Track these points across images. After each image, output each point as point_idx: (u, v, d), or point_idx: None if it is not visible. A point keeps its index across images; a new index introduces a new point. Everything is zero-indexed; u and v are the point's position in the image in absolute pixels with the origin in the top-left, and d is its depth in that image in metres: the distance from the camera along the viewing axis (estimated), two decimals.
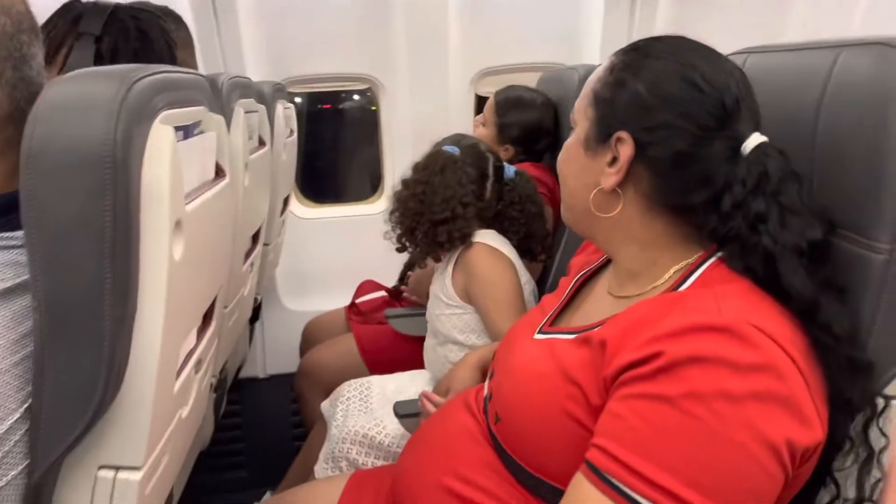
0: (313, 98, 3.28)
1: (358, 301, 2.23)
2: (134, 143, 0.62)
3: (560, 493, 0.75)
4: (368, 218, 2.53)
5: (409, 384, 1.66)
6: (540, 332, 0.95)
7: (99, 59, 1.16)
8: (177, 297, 0.71)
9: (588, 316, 0.91)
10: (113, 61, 1.16)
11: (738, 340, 0.66)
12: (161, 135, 0.66)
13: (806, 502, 0.78)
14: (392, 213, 1.60)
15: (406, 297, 2.16)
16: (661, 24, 2.34)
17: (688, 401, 0.65)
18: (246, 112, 1.26)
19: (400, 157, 2.42)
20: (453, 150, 1.57)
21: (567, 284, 1.05)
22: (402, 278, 2.14)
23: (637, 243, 0.86)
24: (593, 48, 2.40)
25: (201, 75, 0.89)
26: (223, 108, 1.13)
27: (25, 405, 0.63)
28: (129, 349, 0.66)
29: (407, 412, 1.34)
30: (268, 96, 1.64)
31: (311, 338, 2.24)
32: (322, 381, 1.93)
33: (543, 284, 1.75)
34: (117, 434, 0.68)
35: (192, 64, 1.52)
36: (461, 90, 2.43)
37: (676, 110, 0.78)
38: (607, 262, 1.01)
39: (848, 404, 0.71)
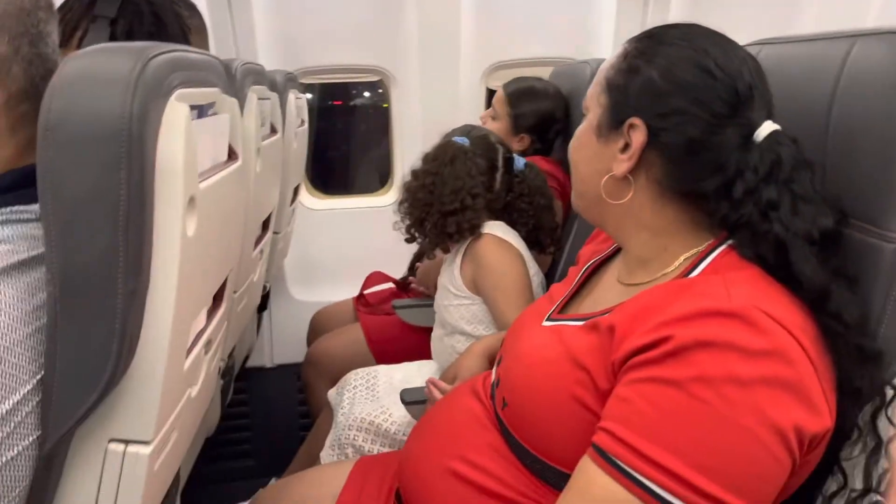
0: (324, 94, 3.29)
1: (366, 292, 2.24)
2: (149, 118, 0.62)
3: (566, 478, 0.75)
4: (377, 210, 2.54)
5: (415, 374, 1.66)
6: (548, 319, 0.95)
7: (113, 42, 1.16)
8: (189, 273, 0.71)
9: (597, 303, 0.91)
10: None
11: (748, 326, 0.66)
12: (176, 111, 0.66)
13: (813, 491, 0.78)
14: (401, 203, 1.60)
15: (414, 288, 2.17)
16: (673, 19, 2.34)
17: (696, 385, 0.65)
18: (259, 98, 1.27)
19: (410, 149, 2.43)
20: (463, 141, 1.57)
21: (576, 273, 1.05)
22: (412, 268, 2.15)
23: (648, 230, 0.86)
24: (606, 42, 2.40)
25: (216, 58, 0.90)
26: (237, 92, 1.13)
27: (38, 377, 0.63)
28: (141, 323, 0.66)
29: (413, 399, 1.34)
30: (280, 85, 1.65)
31: (318, 328, 2.25)
32: (329, 371, 1.94)
33: (552, 277, 1.76)
34: (128, 408, 0.69)
35: (206, 51, 1.52)
36: (472, 83, 2.43)
37: (690, 97, 0.78)
38: (616, 251, 1.01)
39: (857, 393, 0.71)
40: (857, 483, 0.76)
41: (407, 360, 1.78)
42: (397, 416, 1.46)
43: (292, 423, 2.45)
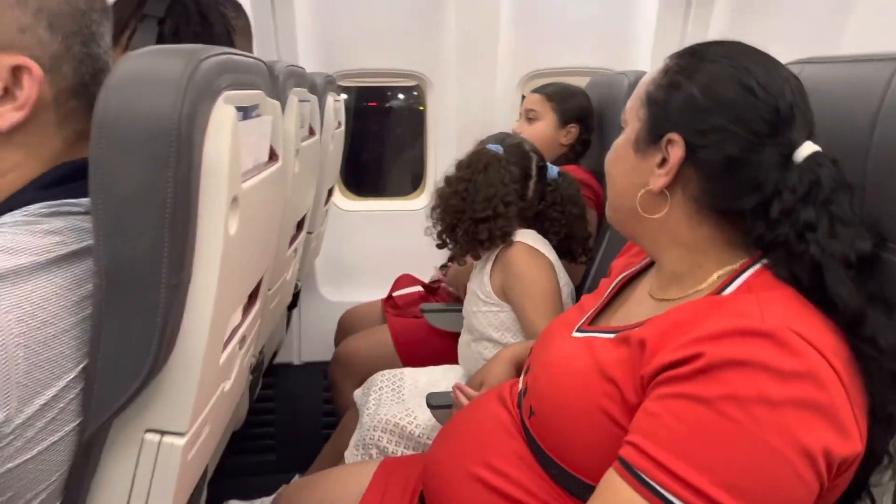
0: (360, 95, 3.32)
1: (394, 294, 2.26)
2: (198, 119, 0.64)
3: (590, 489, 0.76)
4: (408, 213, 2.55)
5: (441, 378, 1.67)
6: (578, 330, 0.96)
7: (161, 41, 1.20)
8: (229, 270, 0.73)
9: (628, 317, 0.92)
10: (174, 43, 1.20)
11: (780, 347, 0.66)
12: (224, 113, 0.68)
13: None
14: (434, 209, 1.61)
15: (443, 289, 2.19)
16: (714, 34, 2.32)
17: (726, 403, 0.65)
18: (299, 101, 1.29)
19: (444, 154, 2.44)
20: (497, 148, 1.58)
21: (607, 285, 1.05)
22: (445, 266, 2.17)
23: (682, 246, 0.86)
24: (644, 54, 2.39)
25: (261, 61, 0.92)
26: (279, 94, 1.15)
27: (81, 365, 0.65)
28: (182, 317, 0.68)
29: (439, 403, 1.35)
30: (319, 87, 1.67)
31: (346, 328, 2.28)
32: (356, 370, 1.96)
33: (582, 287, 1.75)
34: (165, 399, 0.70)
35: (249, 51, 1.55)
36: (508, 91, 2.44)
37: (730, 114, 0.78)
38: (649, 265, 1.01)
39: (889, 419, 0.70)
40: None
41: (433, 363, 1.79)
42: (422, 420, 1.47)
43: (316, 420, 2.47)
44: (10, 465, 0.61)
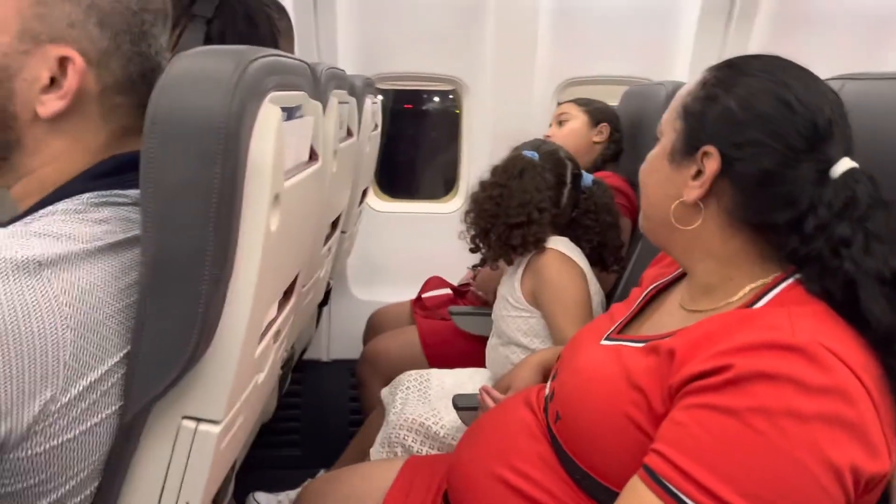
0: (397, 98, 3.35)
1: (424, 296, 2.28)
2: (246, 117, 0.66)
3: (613, 495, 0.76)
4: (441, 216, 2.57)
5: (467, 380, 1.68)
6: (607, 338, 0.96)
7: (208, 41, 1.23)
8: (268, 266, 0.75)
9: (658, 327, 0.92)
10: (221, 43, 1.23)
11: (810, 361, 0.66)
12: (269, 113, 0.70)
13: None
14: (468, 213, 1.63)
15: (471, 293, 2.20)
16: (754, 48, 2.30)
17: (753, 415, 0.65)
18: (339, 102, 1.31)
19: (478, 159, 2.45)
20: (533, 155, 1.59)
21: (638, 295, 1.05)
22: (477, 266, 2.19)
23: (714, 258, 0.86)
24: (682, 65, 2.38)
25: (305, 62, 0.94)
26: (320, 96, 1.18)
27: (124, 350, 0.68)
28: (222, 309, 0.70)
29: (466, 405, 1.36)
30: (358, 90, 1.70)
31: (375, 327, 2.30)
32: (383, 369, 1.98)
33: (612, 296, 1.75)
34: (202, 387, 0.72)
35: (291, 52, 1.58)
36: (545, 97, 2.44)
37: (767, 128, 0.78)
38: (681, 276, 1.01)
39: None
40: None
41: (459, 365, 1.80)
42: (447, 421, 1.48)
43: (342, 417, 2.50)
44: (53, 442, 0.64)
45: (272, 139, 0.70)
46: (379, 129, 2.15)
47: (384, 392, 1.74)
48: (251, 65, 0.68)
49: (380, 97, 2.21)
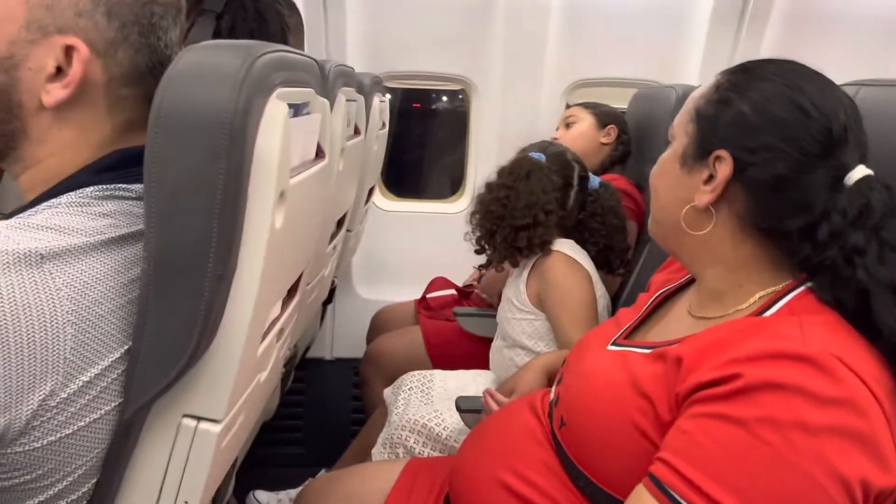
0: (405, 96, 3.34)
1: (428, 296, 2.27)
2: (252, 113, 0.65)
3: (617, 503, 0.75)
4: (446, 216, 2.56)
5: (471, 382, 1.68)
6: (614, 343, 0.95)
7: (217, 36, 1.22)
8: (273, 263, 0.74)
9: (665, 333, 0.91)
10: (230, 38, 1.23)
11: (821, 372, 0.65)
12: (276, 109, 0.69)
13: None
14: (474, 214, 1.62)
15: (476, 295, 2.19)
16: (766, 52, 2.29)
17: (762, 426, 0.64)
18: (347, 100, 1.30)
19: (485, 159, 2.45)
20: (539, 156, 1.58)
21: (646, 300, 1.04)
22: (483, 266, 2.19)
23: (724, 264, 0.85)
24: (692, 69, 2.37)
25: (314, 59, 0.93)
26: (328, 93, 1.17)
27: (126, 346, 0.67)
28: (225, 307, 0.69)
29: (469, 407, 1.35)
30: (366, 88, 1.69)
31: (379, 326, 2.29)
32: (386, 369, 1.98)
33: (618, 299, 1.74)
34: (204, 386, 0.72)
35: (300, 48, 1.58)
36: (553, 99, 2.43)
37: (781, 133, 0.77)
38: (689, 282, 1.00)
39: None
40: None
41: (463, 367, 1.79)
42: (450, 423, 1.47)
43: (345, 416, 2.49)
44: (51, 438, 0.63)
45: (279, 135, 0.69)
46: (386, 127, 2.14)
47: (387, 392, 1.73)
48: (258, 60, 0.67)
49: (388, 96, 2.20)
